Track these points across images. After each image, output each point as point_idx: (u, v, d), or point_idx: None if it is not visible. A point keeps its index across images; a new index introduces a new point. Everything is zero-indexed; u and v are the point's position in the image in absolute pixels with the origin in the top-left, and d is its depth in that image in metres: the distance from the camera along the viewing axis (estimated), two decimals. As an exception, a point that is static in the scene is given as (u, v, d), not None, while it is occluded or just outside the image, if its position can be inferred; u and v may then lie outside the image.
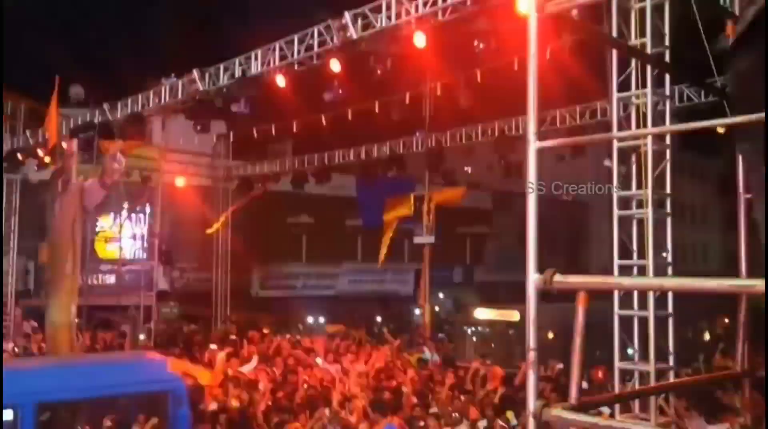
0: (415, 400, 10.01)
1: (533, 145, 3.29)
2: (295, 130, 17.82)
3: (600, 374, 10.96)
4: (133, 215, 22.55)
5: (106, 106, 15.54)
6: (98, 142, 15.21)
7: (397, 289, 27.79)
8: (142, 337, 19.12)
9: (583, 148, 19.54)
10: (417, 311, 21.52)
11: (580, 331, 3.13)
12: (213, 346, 14.95)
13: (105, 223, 22.33)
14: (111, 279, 22.22)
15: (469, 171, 31.89)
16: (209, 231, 21.90)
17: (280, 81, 11.75)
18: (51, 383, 9.28)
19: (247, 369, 12.34)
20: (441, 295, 26.99)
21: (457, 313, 25.13)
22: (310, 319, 24.47)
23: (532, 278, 3.22)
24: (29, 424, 8.52)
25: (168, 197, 21.05)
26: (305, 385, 11.60)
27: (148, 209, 22.49)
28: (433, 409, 9.74)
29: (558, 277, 3.14)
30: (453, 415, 9.40)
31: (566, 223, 28.44)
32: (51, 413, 8.95)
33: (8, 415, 8.77)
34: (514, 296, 19.34)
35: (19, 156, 17.66)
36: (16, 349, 15.72)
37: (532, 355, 3.25)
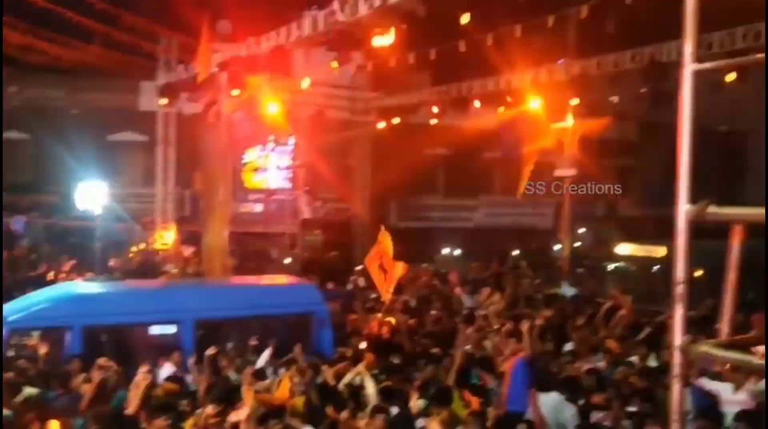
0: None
1: (689, 67, 3.09)
2: (433, 59, 17.60)
3: (757, 319, 10.27)
4: (278, 147, 23.40)
5: (251, 40, 16.01)
6: (245, 75, 15.76)
7: (536, 223, 27.33)
8: (287, 261, 20.10)
9: (744, 75, 18.09)
10: (556, 246, 21.14)
11: (735, 267, 2.98)
12: (358, 268, 15.35)
13: (252, 154, 23.32)
14: (259, 208, 23.32)
15: (615, 101, 30.48)
16: (349, 163, 22.41)
17: (420, 9, 11.59)
18: (207, 302, 10.04)
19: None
20: (582, 230, 26.33)
21: (597, 248, 24.49)
22: (445, 250, 24.67)
23: (684, 208, 3.07)
24: (189, 338, 9.29)
25: (310, 129, 21.64)
26: (441, 315, 11.80)
27: (291, 141, 23.25)
28: (570, 345, 9.64)
29: (712, 209, 2.99)
30: (590, 349, 9.28)
31: (721, 156, 26.69)
32: (207, 329, 9.69)
33: (171, 329, 9.62)
34: (659, 232, 18.55)
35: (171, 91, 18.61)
36: (175, 271, 16.95)
37: (680, 289, 3.13)
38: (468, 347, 9.15)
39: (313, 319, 9.98)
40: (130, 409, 7.02)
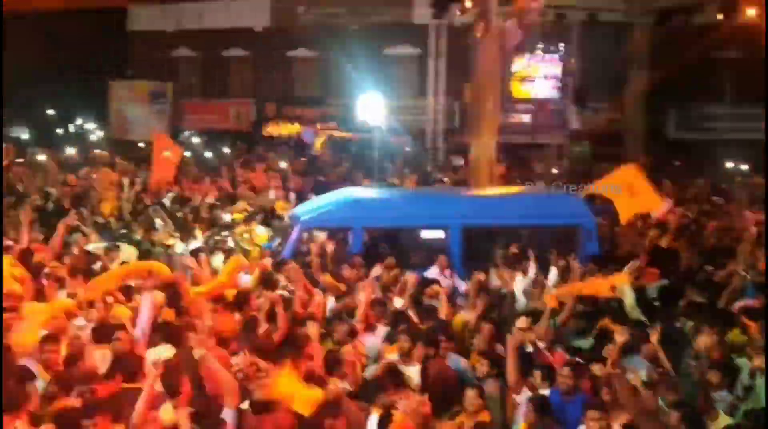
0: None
1: None
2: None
3: None
4: (547, 55, 22.82)
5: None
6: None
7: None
8: (554, 171, 19.87)
9: None
10: None
11: None
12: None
13: (520, 63, 23.03)
14: (526, 118, 23.16)
15: None
16: (622, 69, 21.17)
17: None
18: (475, 210, 10.41)
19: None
20: None
21: None
22: (729, 165, 22.58)
23: None
24: (456, 243, 9.77)
25: (581, 35, 20.76)
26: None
27: (561, 48, 22.52)
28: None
29: None
30: None
31: None
32: (473, 236, 10.08)
33: (440, 233, 10.18)
34: None
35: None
36: (445, 180, 17.66)
37: None
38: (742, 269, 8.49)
39: (579, 231, 9.91)
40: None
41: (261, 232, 11.46)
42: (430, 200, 11.26)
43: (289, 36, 26.69)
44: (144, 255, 9.69)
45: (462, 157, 20.29)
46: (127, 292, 7.47)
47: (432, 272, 9.07)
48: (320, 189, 14.62)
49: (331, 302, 7.82)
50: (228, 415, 4.99)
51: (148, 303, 6.56)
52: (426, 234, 10.44)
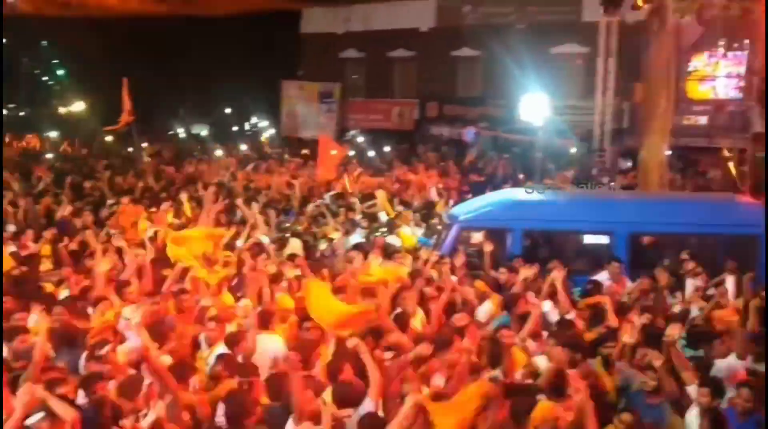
0: None
1: None
2: None
3: None
4: (730, 53, 21.23)
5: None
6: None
7: None
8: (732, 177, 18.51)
9: None
10: None
11: None
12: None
13: (698, 62, 21.61)
14: (702, 120, 21.69)
15: None
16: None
17: None
18: (643, 215, 9.90)
19: None
20: None
21: None
22: None
23: None
24: (622, 249, 9.33)
25: (770, 31, 19.10)
26: None
27: (747, 45, 20.87)
28: None
29: None
30: None
31: None
32: (640, 243, 9.59)
33: (603, 239, 9.77)
34: None
35: None
36: (612, 184, 16.98)
37: None
38: None
39: (757, 242, 9.15)
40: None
41: (419, 230, 11.61)
42: (596, 204, 10.84)
43: (453, 36, 26.77)
44: (309, 248, 10.11)
45: (631, 159, 19.40)
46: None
47: (601, 278, 8.69)
48: (480, 189, 14.55)
49: (486, 306, 7.69)
50: (367, 405, 5.08)
51: None
52: (589, 239, 10.07)
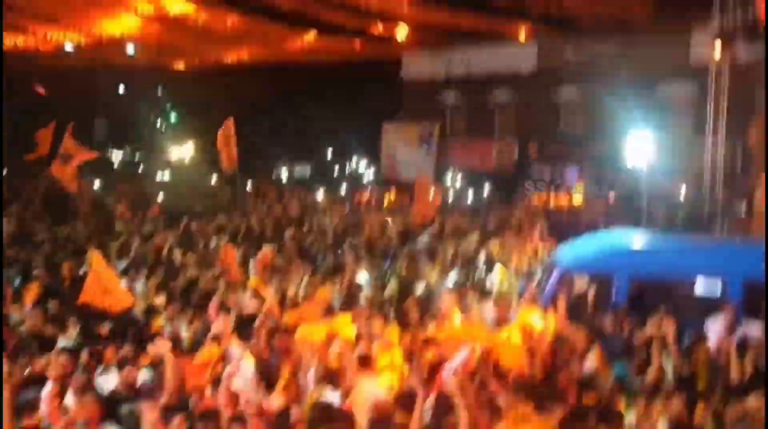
0: None
1: None
2: None
3: None
4: None
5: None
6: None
7: None
8: None
9: None
10: None
11: None
12: None
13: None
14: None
15: None
16: None
17: None
18: (758, 263, 9.29)
19: None
20: None
21: None
22: None
23: None
24: (736, 298, 8.78)
25: None
26: None
27: None
28: None
29: None
30: None
31: None
32: (756, 291, 9.02)
33: (716, 287, 9.22)
34: None
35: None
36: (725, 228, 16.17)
37: None
38: None
39: None
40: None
41: (515, 273, 11.35)
42: (707, 249, 10.30)
43: (555, 77, 26.50)
44: (405, 288, 10.06)
45: (744, 203, 18.43)
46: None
47: (714, 328, 8.19)
48: (583, 231, 14.15)
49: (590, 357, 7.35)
50: None
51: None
52: (701, 287, 9.53)
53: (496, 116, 29.21)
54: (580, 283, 9.55)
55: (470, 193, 22.99)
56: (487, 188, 24.89)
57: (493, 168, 27.72)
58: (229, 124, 16.82)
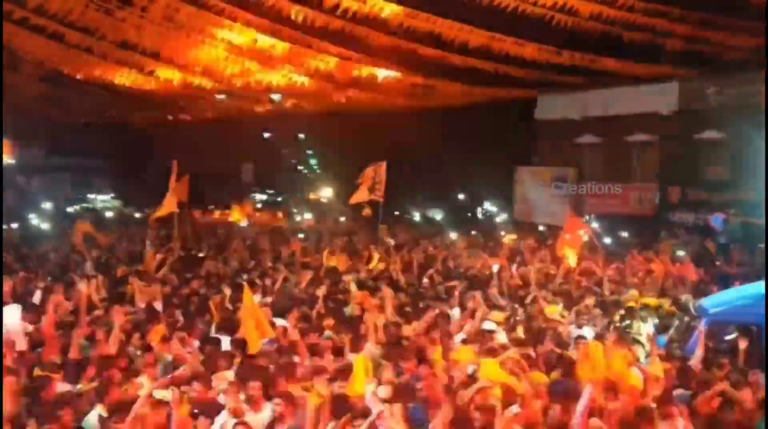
0: None
1: None
2: None
3: None
4: None
5: None
6: None
7: None
8: None
9: None
10: None
11: None
12: None
13: None
14: None
15: None
16: None
17: None
18: None
19: None
20: None
21: None
22: None
23: None
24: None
25: None
26: None
27: None
28: None
29: None
30: None
31: None
32: None
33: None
34: None
35: None
36: None
37: None
38: None
39: None
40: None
41: (652, 324, 10.93)
42: None
43: (697, 118, 25.47)
44: (534, 333, 10.01)
45: None
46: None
47: None
48: (729, 280, 13.50)
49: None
50: None
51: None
52: None
53: (634, 158, 28.38)
54: (729, 334, 9.15)
55: (608, 238, 22.31)
56: (625, 234, 24.10)
57: (632, 213, 26.84)
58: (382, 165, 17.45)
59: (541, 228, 26.38)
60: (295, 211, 35.22)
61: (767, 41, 16.54)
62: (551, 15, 15.36)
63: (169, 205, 16.15)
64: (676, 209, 25.43)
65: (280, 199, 42.98)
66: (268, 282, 13.26)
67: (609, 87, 26.89)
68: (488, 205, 34.23)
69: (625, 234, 24.10)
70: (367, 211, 18.35)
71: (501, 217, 31.62)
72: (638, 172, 28.20)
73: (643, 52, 20.37)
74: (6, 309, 9.26)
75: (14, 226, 22.37)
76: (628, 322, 10.81)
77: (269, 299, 11.91)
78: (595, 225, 25.75)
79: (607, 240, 21.98)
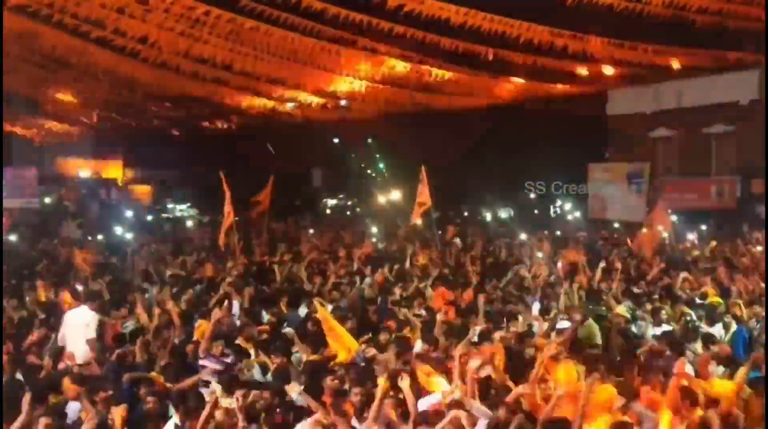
0: None
1: None
2: None
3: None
4: None
5: None
6: None
7: None
8: None
9: None
10: None
11: None
12: None
13: None
14: None
15: None
16: None
17: None
18: None
19: None
20: None
21: None
22: None
23: None
24: None
25: None
26: None
27: None
28: None
29: None
30: None
31: None
32: None
33: None
34: None
35: None
36: None
37: None
38: None
39: None
40: None
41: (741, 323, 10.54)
42: None
43: (779, 107, 24.40)
44: (602, 330, 9.85)
45: None
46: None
47: None
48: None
49: None
50: None
51: None
52: None
53: (713, 151, 27.39)
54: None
55: (688, 234, 21.54)
56: (705, 229, 23.22)
57: (713, 207, 25.86)
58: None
59: (616, 225, 25.74)
60: (364, 215, 35.40)
61: None
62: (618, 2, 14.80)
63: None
64: (760, 201, 24.42)
65: (350, 202, 43.32)
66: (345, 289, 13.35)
67: (683, 78, 26.02)
68: (561, 203, 33.64)
69: (704, 228, 23.24)
70: (416, 218, 18.73)
71: (574, 215, 31.00)
72: (717, 165, 27.21)
73: (717, 38, 19.54)
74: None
75: (99, 237, 23.13)
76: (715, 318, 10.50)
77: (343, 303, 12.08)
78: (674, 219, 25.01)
79: (690, 235, 21.26)
